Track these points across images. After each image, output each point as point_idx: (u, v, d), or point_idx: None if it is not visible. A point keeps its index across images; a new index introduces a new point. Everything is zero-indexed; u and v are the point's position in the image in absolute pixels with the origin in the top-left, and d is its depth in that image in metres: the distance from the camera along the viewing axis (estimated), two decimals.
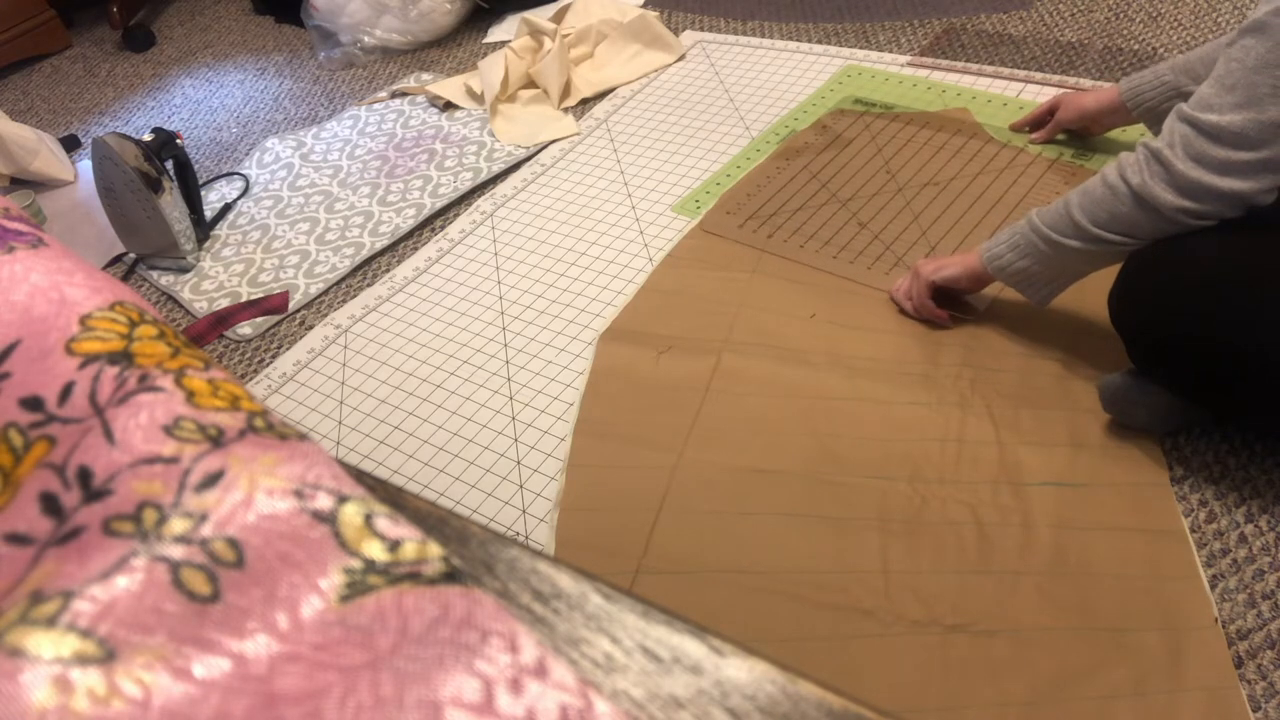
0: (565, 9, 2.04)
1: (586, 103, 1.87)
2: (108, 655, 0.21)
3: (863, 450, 1.05)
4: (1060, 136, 1.44)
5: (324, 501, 0.25)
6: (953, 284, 1.14)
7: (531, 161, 1.72)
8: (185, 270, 1.62)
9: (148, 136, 1.55)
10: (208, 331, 1.47)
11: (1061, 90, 1.51)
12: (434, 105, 1.95)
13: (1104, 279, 0.99)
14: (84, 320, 0.29)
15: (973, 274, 1.11)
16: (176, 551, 0.23)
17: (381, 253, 1.57)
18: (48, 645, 0.21)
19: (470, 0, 2.24)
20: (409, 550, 0.25)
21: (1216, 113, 0.85)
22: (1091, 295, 1.11)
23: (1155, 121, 1.29)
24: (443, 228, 1.60)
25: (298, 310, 1.49)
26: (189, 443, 0.25)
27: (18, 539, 0.24)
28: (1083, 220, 0.95)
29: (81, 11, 2.74)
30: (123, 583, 0.22)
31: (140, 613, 0.22)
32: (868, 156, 1.50)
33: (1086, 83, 1.55)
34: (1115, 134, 1.40)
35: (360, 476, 0.29)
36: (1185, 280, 0.88)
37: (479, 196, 1.66)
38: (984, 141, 1.47)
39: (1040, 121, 1.44)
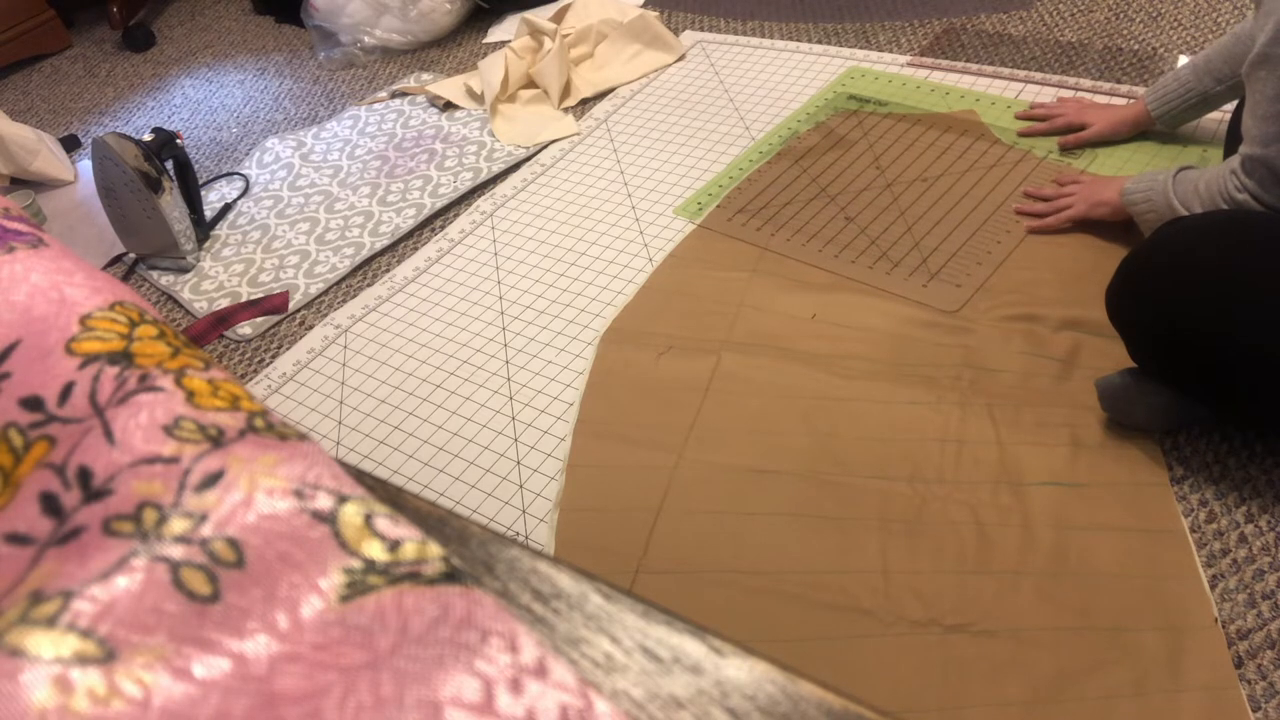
0: (565, 9, 2.04)
1: (586, 103, 1.87)
2: (108, 655, 0.21)
3: (863, 450, 1.05)
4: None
5: (324, 501, 0.25)
6: (1099, 219, 1.24)
7: (531, 161, 1.72)
8: (185, 270, 1.62)
9: (148, 136, 1.55)
10: (208, 331, 1.47)
11: (1071, 96, 1.51)
12: (434, 105, 1.95)
13: (1104, 277, 0.99)
14: (84, 320, 0.29)
15: (1117, 209, 1.19)
16: (176, 551, 0.23)
17: (381, 253, 1.57)
18: (48, 645, 0.21)
19: (470, 0, 2.24)
20: (409, 550, 0.25)
21: (1261, 146, 0.92)
22: (1092, 294, 1.11)
23: (1173, 124, 1.31)
24: (443, 228, 1.60)
25: (298, 310, 1.49)
26: (189, 443, 0.25)
27: (18, 539, 0.24)
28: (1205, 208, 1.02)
29: (81, 11, 2.74)
30: (123, 583, 0.22)
31: (140, 613, 0.22)
32: (871, 158, 1.50)
33: (1086, 83, 1.55)
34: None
35: (360, 476, 0.29)
36: (1185, 277, 0.88)
37: (479, 196, 1.66)
38: (991, 143, 1.46)
39: (1056, 131, 1.44)
